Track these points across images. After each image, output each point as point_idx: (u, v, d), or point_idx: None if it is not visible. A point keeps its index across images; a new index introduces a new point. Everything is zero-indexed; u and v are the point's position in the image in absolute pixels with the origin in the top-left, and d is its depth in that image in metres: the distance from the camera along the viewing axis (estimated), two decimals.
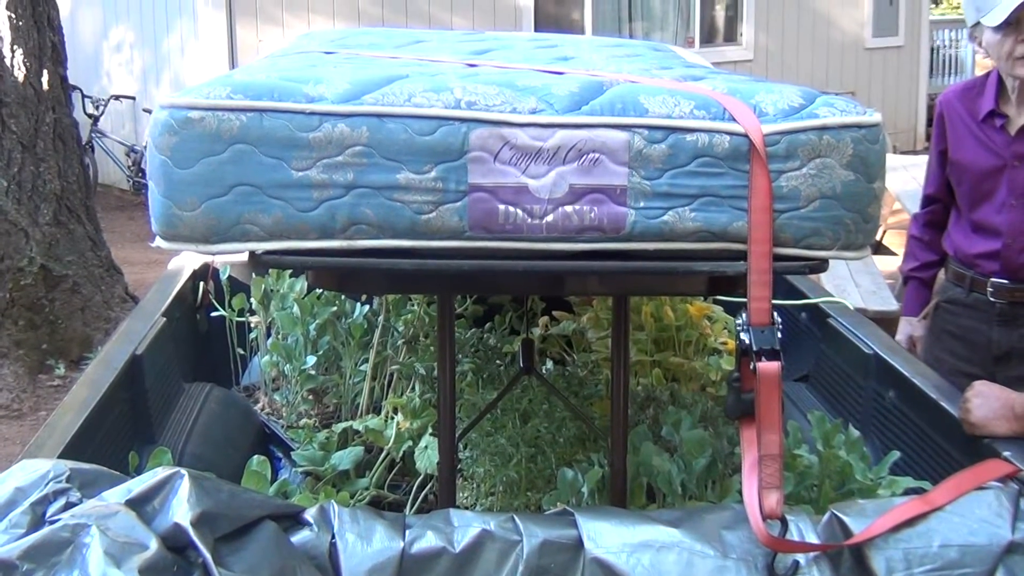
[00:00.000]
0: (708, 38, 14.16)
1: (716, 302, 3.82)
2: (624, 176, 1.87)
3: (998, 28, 3.09)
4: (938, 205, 3.58)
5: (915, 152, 14.31)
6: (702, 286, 2.13)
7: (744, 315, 1.91)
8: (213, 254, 1.93)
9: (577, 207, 1.87)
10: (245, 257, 1.95)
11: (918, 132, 15.75)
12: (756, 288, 1.90)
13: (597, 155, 1.87)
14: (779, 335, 1.90)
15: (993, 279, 3.30)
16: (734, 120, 1.89)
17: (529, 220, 1.87)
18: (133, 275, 8.42)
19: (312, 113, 1.84)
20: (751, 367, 1.89)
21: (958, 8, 17.89)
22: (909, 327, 3.64)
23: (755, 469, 1.88)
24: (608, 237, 1.89)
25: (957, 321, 3.43)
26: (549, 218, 1.87)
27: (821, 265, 1.96)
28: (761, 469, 1.87)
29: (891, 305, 6.63)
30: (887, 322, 5.42)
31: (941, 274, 3.60)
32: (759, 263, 1.89)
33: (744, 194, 1.89)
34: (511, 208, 1.87)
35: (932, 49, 16.94)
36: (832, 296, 3.84)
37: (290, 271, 3.85)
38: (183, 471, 1.76)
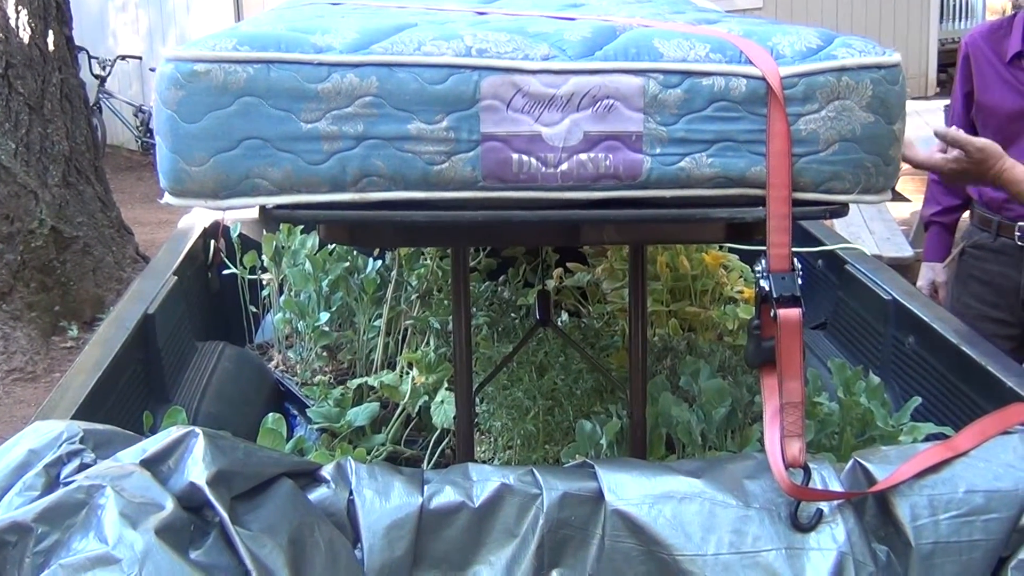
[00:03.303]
0: None
1: (732, 250, 3.79)
2: (639, 122, 1.83)
3: None
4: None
5: (926, 98, 14.22)
6: (720, 233, 2.10)
7: (763, 262, 1.88)
8: (223, 209, 1.90)
9: (592, 155, 1.83)
10: (255, 212, 1.93)
11: (929, 78, 15.64)
12: (775, 234, 1.87)
13: (612, 101, 1.83)
14: (799, 282, 1.87)
15: (1021, 223, 3.26)
16: (751, 63, 1.84)
17: (544, 169, 1.84)
18: (143, 235, 8.42)
19: (320, 64, 1.80)
20: (771, 314, 1.86)
21: None
22: (931, 273, 3.61)
23: (776, 417, 1.85)
24: (624, 185, 1.85)
25: (983, 266, 3.39)
26: (564, 166, 1.83)
27: (841, 210, 1.92)
28: (783, 417, 1.84)
29: (906, 251, 6.60)
30: (902, 268, 5.40)
31: (965, 217, 3.56)
32: (778, 208, 1.86)
33: (762, 138, 1.85)
34: (525, 157, 1.83)
35: None
36: (848, 243, 3.80)
37: (301, 227, 3.82)
38: (198, 430, 1.74)
